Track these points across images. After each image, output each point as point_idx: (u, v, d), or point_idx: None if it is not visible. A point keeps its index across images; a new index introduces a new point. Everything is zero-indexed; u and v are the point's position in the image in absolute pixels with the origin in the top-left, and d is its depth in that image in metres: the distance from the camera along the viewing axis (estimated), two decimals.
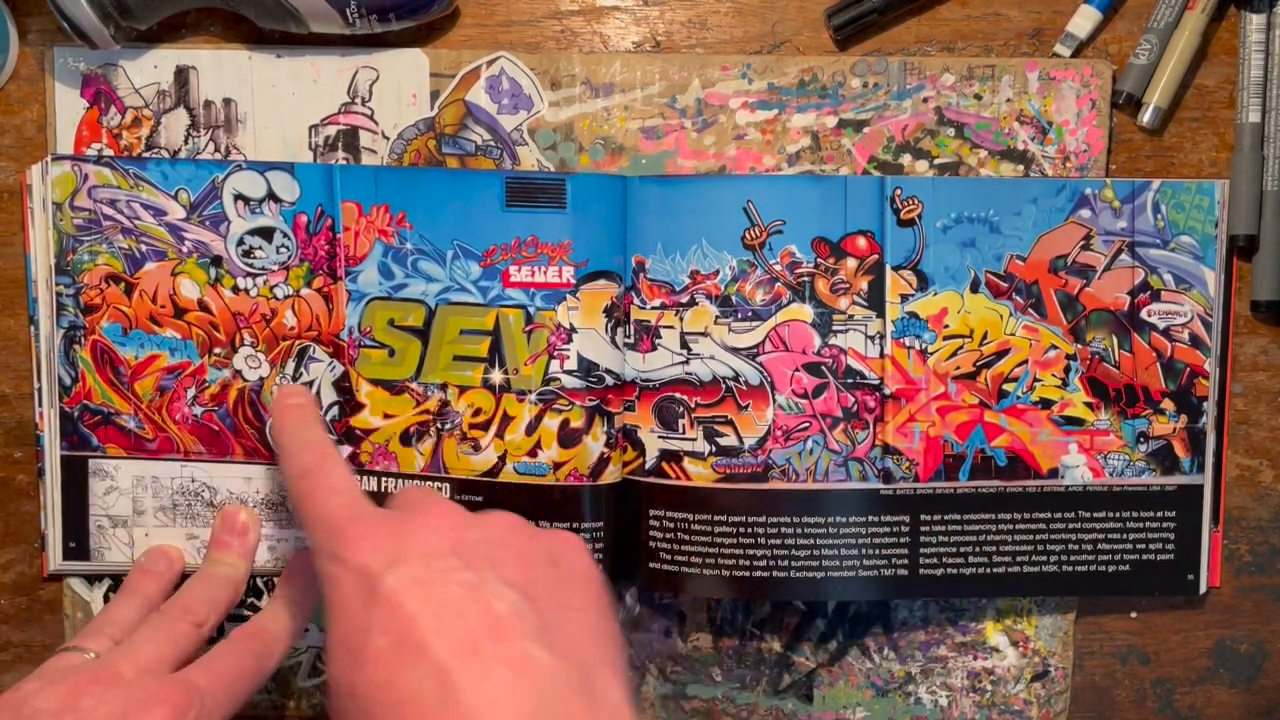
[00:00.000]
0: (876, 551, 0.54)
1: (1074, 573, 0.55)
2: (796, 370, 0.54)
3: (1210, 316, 0.55)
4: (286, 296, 0.54)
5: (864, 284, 0.54)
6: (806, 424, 0.54)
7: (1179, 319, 0.55)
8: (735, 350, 0.54)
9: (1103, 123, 0.55)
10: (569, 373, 0.53)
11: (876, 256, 0.54)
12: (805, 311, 0.54)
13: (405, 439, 0.54)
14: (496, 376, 0.54)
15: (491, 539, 0.42)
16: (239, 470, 0.55)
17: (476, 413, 0.54)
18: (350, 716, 0.38)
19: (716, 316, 0.54)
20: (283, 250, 0.54)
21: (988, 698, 0.58)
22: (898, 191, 0.54)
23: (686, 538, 0.54)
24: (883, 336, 0.54)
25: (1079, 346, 0.55)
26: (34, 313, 0.54)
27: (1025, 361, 0.55)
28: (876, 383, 0.54)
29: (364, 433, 0.54)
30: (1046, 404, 0.55)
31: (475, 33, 0.55)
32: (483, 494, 0.54)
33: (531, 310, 0.53)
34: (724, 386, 0.54)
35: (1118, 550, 0.55)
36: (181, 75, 0.54)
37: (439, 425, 0.54)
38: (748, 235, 0.54)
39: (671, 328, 0.54)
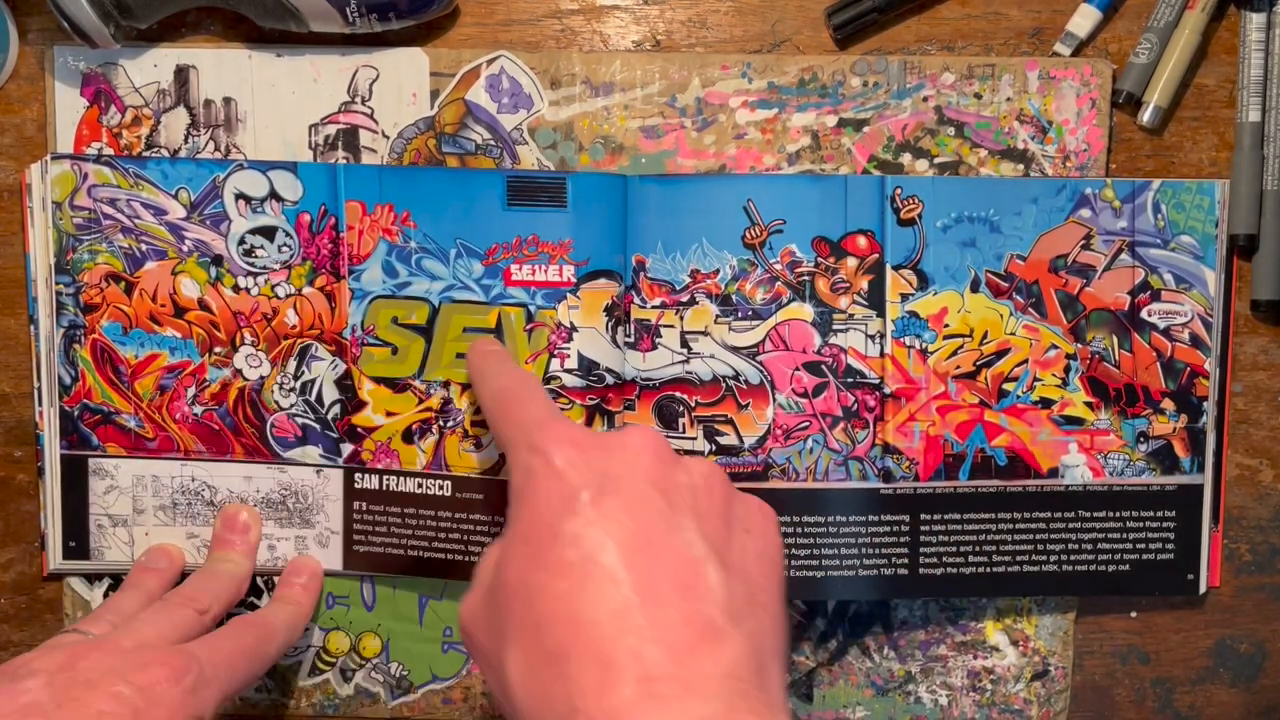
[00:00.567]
0: (876, 551, 0.54)
1: (1074, 572, 0.55)
2: (796, 369, 0.54)
3: (1210, 316, 0.55)
4: (288, 295, 0.54)
5: (864, 283, 0.54)
6: (806, 423, 0.54)
7: (1179, 319, 0.55)
8: (735, 349, 0.54)
9: (1103, 122, 0.55)
10: (569, 371, 0.53)
11: (877, 256, 0.54)
12: (805, 311, 0.54)
13: (407, 436, 0.54)
14: None
15: (696, 486, 0.39)
16: (239, 469, 0.55)
17: (478, 410, 0.54)
18: (507, 603, 0.37)
19: (717, 316, 0.54)
20: (285, 249, 0.54)
21: (988, 697, 0.58)
22: (898, 191, 0.54)
23: None
24: (883, 336, 0.54)
25: (1079, 346, 0.55)
26: (34, 312, 0.54)
27: (1025, 361, 0.55)
28: (876, 382, 0.54)
29: (366, 430, 0.54)
30: (1046, 404, 0.55)
31: (475, 32, 0.55)
32: (483, 492, 0.54)
33: (532, 309, 0.53)
34: (724, 386, 0.54)
35: (1118, 550, 0.55)
36: (181, 74, 0.54)
37: (441, 423, 0.54)
38: (748, 234, 0.54)
39: (672, 327, 0.54)
